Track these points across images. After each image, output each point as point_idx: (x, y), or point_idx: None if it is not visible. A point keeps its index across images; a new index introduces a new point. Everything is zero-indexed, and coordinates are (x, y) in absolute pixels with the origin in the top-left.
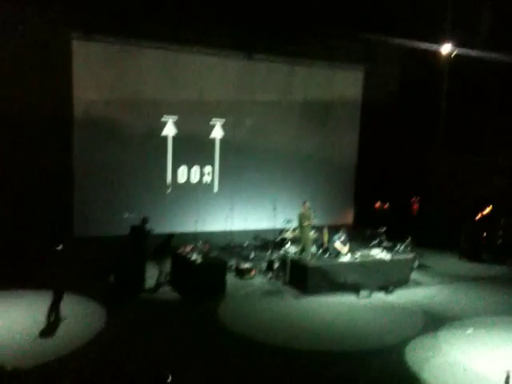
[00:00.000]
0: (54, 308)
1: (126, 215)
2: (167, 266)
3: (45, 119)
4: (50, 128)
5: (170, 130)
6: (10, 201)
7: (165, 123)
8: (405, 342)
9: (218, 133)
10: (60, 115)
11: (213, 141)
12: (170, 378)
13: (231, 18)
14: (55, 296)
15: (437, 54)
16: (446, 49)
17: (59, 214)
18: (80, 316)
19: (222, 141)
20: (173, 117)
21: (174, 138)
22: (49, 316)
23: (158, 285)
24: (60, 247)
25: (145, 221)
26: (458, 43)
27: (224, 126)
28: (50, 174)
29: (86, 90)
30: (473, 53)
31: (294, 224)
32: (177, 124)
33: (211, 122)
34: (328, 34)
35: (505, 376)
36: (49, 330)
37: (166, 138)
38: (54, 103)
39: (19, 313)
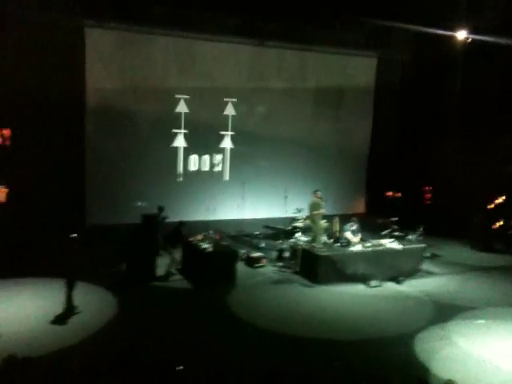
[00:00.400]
0: (67, 296)
1: (139, 203)
2: (178, 254)
3: (57, 107)
4: (63, 116)
5: (182, 116)
6: (23, 190)
7: (177, 114)
8: (415, 332)
9: (229, 120)
10: (72, 103)
11: (224, 128)
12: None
13: (243, 4)
14: (68, 284)
15: (451, 39)
16: (461, 35)
17: (72, 202)
18: (91, 305)
19: (233, 129)
20: (184, 97)
21: (186, 126)
22: (63, 304)
23: (169, 273)
24: (74, 235)
25: (161, 209)
26: (473, 29)
27: (235, 114)
28: (62, 163)
29: (98, 78)
30: (489, 39)
31: (305, 213)
32: (188, 111)
33: (224, 112)
34: (341, 20)
35: None
36: (61, 318)
37: (177, 123)
38: (66, 91)
39: (32, 301)
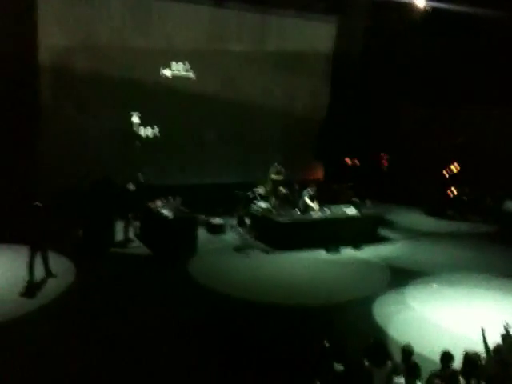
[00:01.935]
0: (29, 265)
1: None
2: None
3: (7, 68)
4: (14, 77)
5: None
6: None
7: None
8: (371, 296)
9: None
10: (25, 64)
11: (180, 92)
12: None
13: None
14: (32, 252)
15: (411, 6)
16: (421, 2)
17: (28, 168)
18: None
19: (190, 90)
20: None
21: (141, 92)
22: (25, 272)
23: (127, 240)
24: (37, 203)
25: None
26: None
27: (193, 75)
28: (16, 127)
29: (50, 36)
30: (448, 6)
31: (265, 179)
32: (143, 72)
33: (178, 73)
34: None
35: (481, 333)
36: (22, 287)
37: (132, 92)
38: (18, 51)
39: None
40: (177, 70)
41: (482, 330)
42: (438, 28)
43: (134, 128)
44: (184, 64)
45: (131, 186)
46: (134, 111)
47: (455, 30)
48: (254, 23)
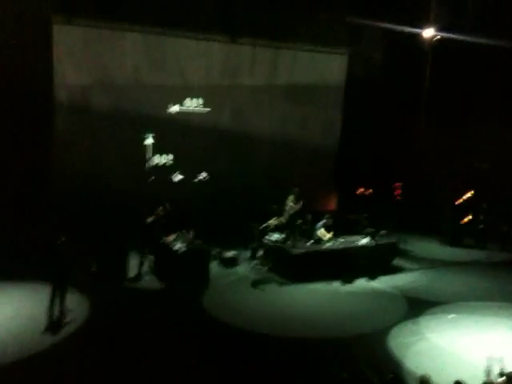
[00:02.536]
0: (52, 302)
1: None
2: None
3: (25, 106)
4: (31, 115)
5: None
6: None
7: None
8: (387, 327)
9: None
10: (40, 102)
11: (194, 125)
12: None
13: (215, 1)
14: (56, 289)
15: (420, 37)
16: (429, 33)
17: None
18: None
19: (205, 125)
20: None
21: (156, 127)
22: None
23: (141, 274)
24: (61, 240)
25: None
26: (441, 27)
27: (206, 110)
28: (29, 164)
29: (66, 76)
30: (455, 37)
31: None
32: (158, 108)
33: (192, 108)
34: (312, 17)
35: (486, 362)
36: (37, 323)
37: (146, 126)
38: (34, 89)
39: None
40: (190, 105)
41: (489, 360)
42: (446, 57)
43: (149, 162)
44: (198, 99)
45: (151, 218)
46: (149, 144)
47: (461, 59)
48: (267, 57)
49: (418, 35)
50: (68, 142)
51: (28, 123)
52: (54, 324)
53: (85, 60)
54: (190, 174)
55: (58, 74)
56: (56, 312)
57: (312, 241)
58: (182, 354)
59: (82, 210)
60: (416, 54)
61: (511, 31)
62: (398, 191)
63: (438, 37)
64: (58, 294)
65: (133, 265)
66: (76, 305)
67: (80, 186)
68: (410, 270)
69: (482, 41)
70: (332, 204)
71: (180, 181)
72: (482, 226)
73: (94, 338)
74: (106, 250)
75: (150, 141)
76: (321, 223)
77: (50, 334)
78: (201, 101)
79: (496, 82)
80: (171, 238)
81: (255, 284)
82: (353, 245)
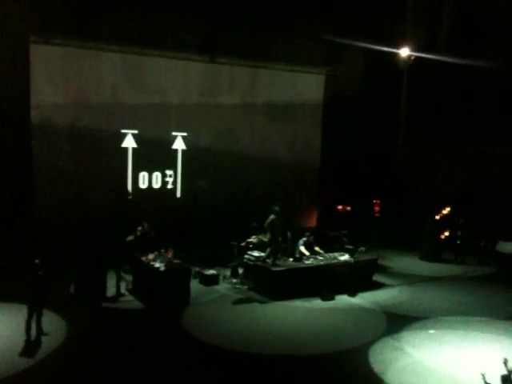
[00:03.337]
0: (29, 323)
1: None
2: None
3: (1, 125)
4: (8, 134)
5: (129, 142)
6: None
7: (124, 134)
8: (368, 343)
9: (180, 143)
10: (18, 121)
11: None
12: None
13: (193, 21)
14: (32, 310)
15: (395, 56)
16: (405, 52)
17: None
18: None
19: (186, 145)
20: (132, 132)
21: (135, 146)
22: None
23: (120, 293)
24: (37, 261)
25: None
26: (417, 47)
27: (186, 131)
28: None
29: (43, 95)
30: (430, 56)
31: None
32: (137, 130)
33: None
34: (290, 38)
35: (480, 377)
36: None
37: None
38: (11, 109)
39: None
40: (168, 124)
41: (483, 376)
42: (425, 75)
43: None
44: (176, 119)
45: (130, 237)
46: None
47: (440, 77)
48: (246, 76)
49: (395, 54)
50: (45, 161)
51: (5, 143)
52: (31, 345)
53: (63, 79)
54: (170, 192)
55: (35, 94)
56: (33, 333)
57: (292, 258)
58: (162, 373)
59: (61, 230)
60: (393, 72)
61: (483, 51)
62: (377, 208)
63: (413, 56)
64: (34, 315)
65: (110, 284)
66: (54, 326)
67: (59, 205)
68: (390, 285)
69: (456, 60)
70: (312, 221)
71: (160, 199)
72: (459, 242)
73: (72, 360)
74: (83, 269)
75: (129, 140)
76: (302, 241)
77: (26, 356)
78: (179, 120)
79: (470, 99)
80: (151, 256)
81: (232, 300)
82: (332, 261)
